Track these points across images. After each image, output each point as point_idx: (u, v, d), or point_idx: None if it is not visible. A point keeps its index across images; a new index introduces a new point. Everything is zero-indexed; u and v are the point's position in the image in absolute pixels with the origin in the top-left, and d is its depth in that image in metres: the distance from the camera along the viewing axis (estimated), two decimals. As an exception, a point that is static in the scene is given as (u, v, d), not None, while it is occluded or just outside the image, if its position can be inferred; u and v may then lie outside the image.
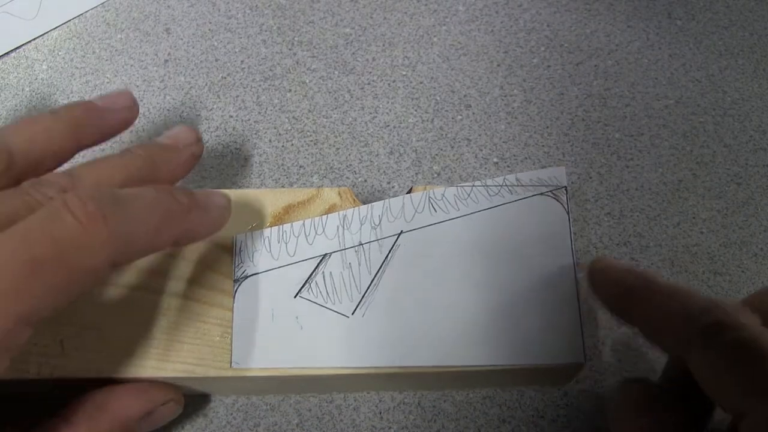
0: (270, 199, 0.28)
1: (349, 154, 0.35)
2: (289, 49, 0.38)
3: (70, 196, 0.19)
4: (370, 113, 0.36)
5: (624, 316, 0.24)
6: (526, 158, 0.34)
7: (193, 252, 0.27)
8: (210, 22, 0.39)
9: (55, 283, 0.18)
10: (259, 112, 0.36)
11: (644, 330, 0.23)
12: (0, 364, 0.18)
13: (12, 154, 0.23)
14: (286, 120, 0.36)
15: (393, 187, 0.34)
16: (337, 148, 0.35)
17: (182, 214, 0.22)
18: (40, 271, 0.18)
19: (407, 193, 0.28)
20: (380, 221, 0.27)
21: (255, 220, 0.27)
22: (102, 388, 0.24)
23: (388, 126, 0.35)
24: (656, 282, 0.23)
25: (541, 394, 0.29)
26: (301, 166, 0.34)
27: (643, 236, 0.32)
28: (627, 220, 0.33)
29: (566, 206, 0.27)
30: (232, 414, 0.29)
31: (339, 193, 0.28)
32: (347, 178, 0.34)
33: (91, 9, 0.40)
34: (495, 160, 0.34)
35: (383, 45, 0.38)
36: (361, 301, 0.26)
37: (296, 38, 0.39)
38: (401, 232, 0.27)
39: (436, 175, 0.34)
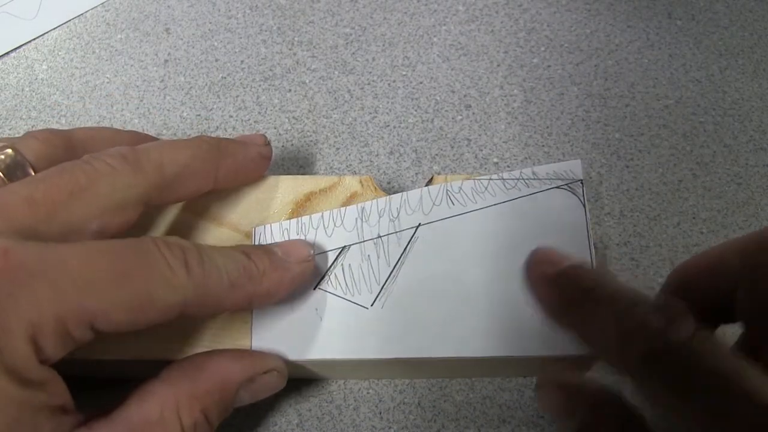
0: (292, 186, 0.28)
1: (349, 154, 0.35)
2: (289, 49, 0.38)
3: (159, 238, 0.21)
4: (370, 113, 0.36)
5: (562, 327, 0.23)
6: (526, 158, 0.34)
7: (215, 240, 0.27)
8: (210, 22, 0.39)
9: (130, 299, 0.19)
10: (259, 112, 0.36)
11: (586, 346, 0.23)
12: (55, 351, 0.19)
13: (71, 139, 0.25)
14: (286, 120, 0.36)
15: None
16: (337, 148, 0.35)
17: (257, 277, 0.23)
18: (122, 284, 0.19)
19: (427, 182, 0.28)
20: (398, 214, 0.27)
21: (277, 206, 0.28)
22: (202, 352, 0.24)
23: (388, 126, 0.35)
24: (590, 291, 0.21)
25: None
26: (301, 167, 0.34)
27: (643, 236, 0.32)
28: (627, 220, 0.33)
29: (582, 199, 0.27)
30: (231, 414, 0.28)
31: (360, 181, 0.28)
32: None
33: (91, 9, 0.40)
34: (495, 160, 0.34)
35: (383, 45, 0.38)
36: (380, 292, 0.26)
37: (296, 38, 0.39)
38: (419, 224, 0.27)
39: (436, 175, 0.34)
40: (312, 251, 0.25)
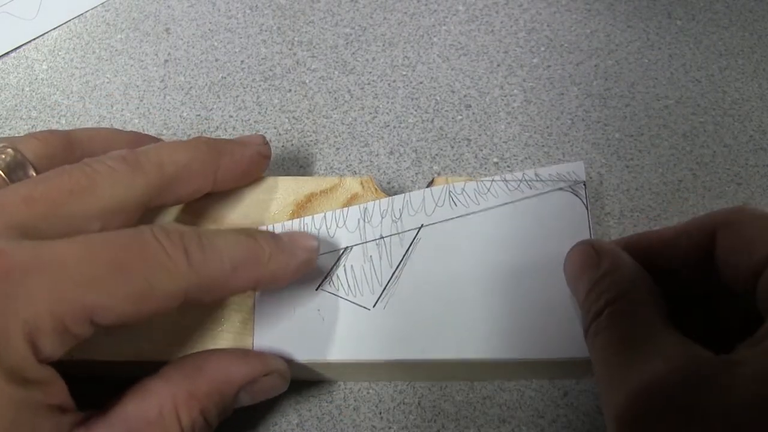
0: (293, 186, 0.28)
1: (349, 154, 0.35)
2: (289, 49, 0.38)
3: (156, 226, 0.21)
4: (370, 113, 0.36)
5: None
6: (526, 158, 0.34)
7: None
8: (210, 22, 0.39)
9: (130, 291, 0.19)
10: (259, 112, 0.36)
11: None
12: (55, 349, 0.19)
13: (70, 139, 0.25)
14: (286, 120, 0.36)
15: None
16: (337, 148, 0.35)
17: (263, 259, 0.22)
18: (120, 274, 0.19)
19: (429, 184, 0.28)
20: (401, 215, 0.27)
21: (278, 207, 0.28)
22: (203, 351, 0.24)
23: (388, 126, 0.35)
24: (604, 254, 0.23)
25: (541, 394, 0.29)
26: (301, 167, 0.34)
27: (643, 236, 0.32)
28: (627, 220, 0.33)
29: (585, 201, 0.27)
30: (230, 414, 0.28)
31: (361, 183, 0.28)
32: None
33: (91, 9, 0.40)
34: (495, 160, 0.34)
35: (383, 45, 0.38)
36: (382, 293, 0.26)
37: (296, 38, 0.39)
38: (422, 225, 0.27)
39: (436, 175, 0.34)
40: (317, 242, 0.25)
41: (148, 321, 0.20)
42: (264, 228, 0.27)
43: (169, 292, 0.20)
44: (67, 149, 0.25)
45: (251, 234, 0.23)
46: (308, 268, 0.25)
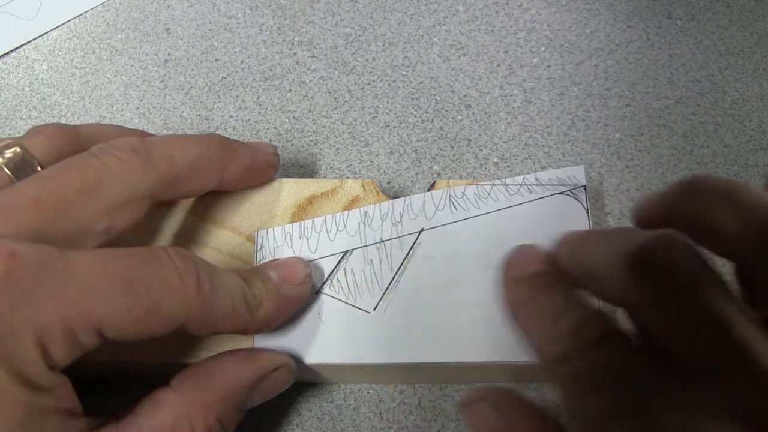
0: (294, 189, 0.28)
1: (349, 154, 0.35)
2: (289, 49, 0.38)
3: (172, 249, 0.21)
4: (370, 113, 0.36)
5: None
6: (526, 158, 0.34)
7: (217, 242, 0.27)
8: (210, 22, 0.39)
9: (135, 307, 0.19)
10: (259, 112, 0.36)
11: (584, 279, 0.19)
12: (63, 356, 0.19)
13: (78, 135, 0.25)
14: (286, 120, 0.36)
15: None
16: (337, 148, 0.35)
17: (255, 305, 0.23)
18: (130, 291, 0.19)
19: (429, 187, 0.28)
20: (401, 218, 0.27)
21: (279, 209, 0.28)
22: (210, 357, 0.24)
23: (388, 126, 0.35)
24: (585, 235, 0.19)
25: (541, 394, 0.29)
26: (301, 167, 0.34)
27: (643, 236, 0.32)
28: (627, 220, 0.33)
29: (585, 205, 0.27)
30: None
31: (363, 185, 0.28)
32: (347, 178, 0.34)
33: (91, 9, 0.40)
34: (495, 160, 0.34)
35: (383, 45, 0.38)
36: (382, 297, 0.26)
37: (296, 38, 0.39)
38: (422, 229, 0.27)
39: (435, 175, 0.34)
40: (309, 270, 0.25)
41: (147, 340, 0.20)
42: (264, 231, 0.27)
43: (173, 315, 0.20)
44: (75, 145, 0.25)
45: (244, 277, 0.23)
46: (300, 302, 0.25)
